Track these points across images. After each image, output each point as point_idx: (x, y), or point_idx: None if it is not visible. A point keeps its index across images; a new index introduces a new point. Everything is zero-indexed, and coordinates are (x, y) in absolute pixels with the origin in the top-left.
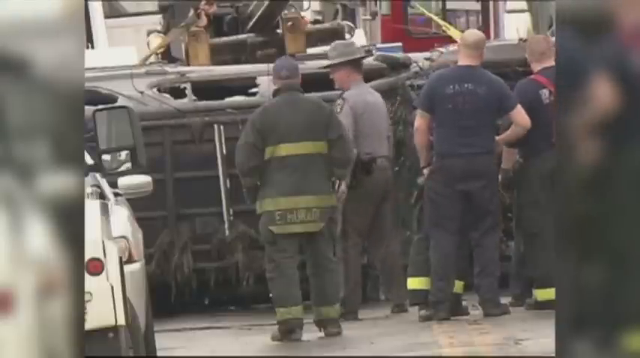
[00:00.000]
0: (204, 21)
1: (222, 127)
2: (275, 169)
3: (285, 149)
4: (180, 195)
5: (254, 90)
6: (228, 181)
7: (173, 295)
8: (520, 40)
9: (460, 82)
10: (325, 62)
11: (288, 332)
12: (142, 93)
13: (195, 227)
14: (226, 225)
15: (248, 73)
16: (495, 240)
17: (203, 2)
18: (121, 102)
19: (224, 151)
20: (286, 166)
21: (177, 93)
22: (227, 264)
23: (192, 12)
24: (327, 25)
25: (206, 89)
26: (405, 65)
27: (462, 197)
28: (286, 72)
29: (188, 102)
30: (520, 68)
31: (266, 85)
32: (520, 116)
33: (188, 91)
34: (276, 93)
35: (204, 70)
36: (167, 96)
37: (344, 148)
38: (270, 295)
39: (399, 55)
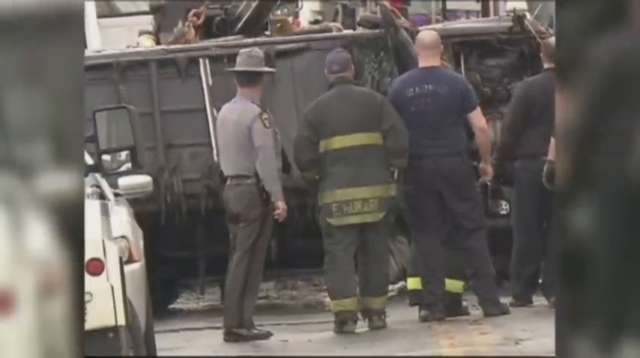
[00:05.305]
0: (192, 33)
1: (207, 61)
2: (331, 162)
3: (339, 141)
4: (168, 127)
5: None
6: (215, 111)
7: (163, 218)
8: (508, 13)
9: (420, 84)
10: None
11: (341, 323)
12: (128, 47)
13: (183, 155)
14: (215, 152)
15: (235, 45)
16: (481, 238)
17: (191, 14)
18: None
19: (210, 83)
20: (341, 158)
21: None
22: (216, 187)
23: (179, 25)
24: (315, 26)
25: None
26: (391, 24)
27: (435, 198)
28: (337, 66)
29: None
30: (503, 36)
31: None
32: (477, 118)
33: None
34: (330, 87)
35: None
36: None
37: (397, 138)
38: (325, 286)
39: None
